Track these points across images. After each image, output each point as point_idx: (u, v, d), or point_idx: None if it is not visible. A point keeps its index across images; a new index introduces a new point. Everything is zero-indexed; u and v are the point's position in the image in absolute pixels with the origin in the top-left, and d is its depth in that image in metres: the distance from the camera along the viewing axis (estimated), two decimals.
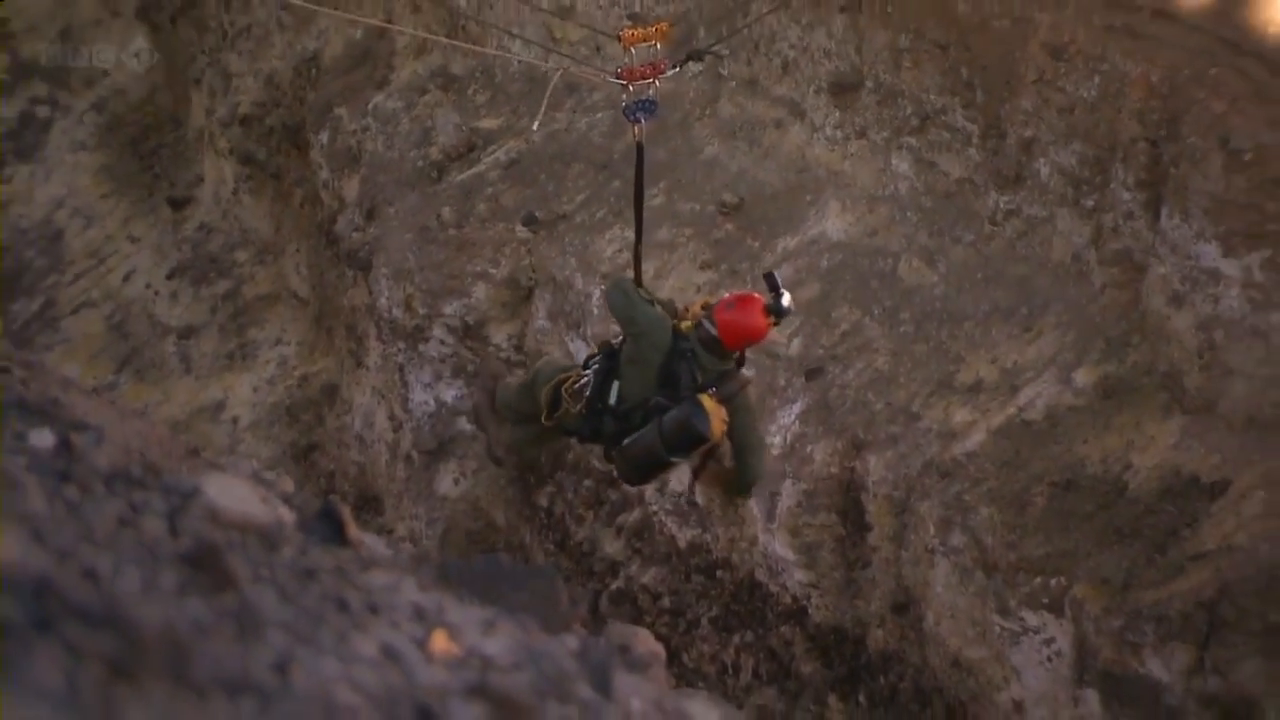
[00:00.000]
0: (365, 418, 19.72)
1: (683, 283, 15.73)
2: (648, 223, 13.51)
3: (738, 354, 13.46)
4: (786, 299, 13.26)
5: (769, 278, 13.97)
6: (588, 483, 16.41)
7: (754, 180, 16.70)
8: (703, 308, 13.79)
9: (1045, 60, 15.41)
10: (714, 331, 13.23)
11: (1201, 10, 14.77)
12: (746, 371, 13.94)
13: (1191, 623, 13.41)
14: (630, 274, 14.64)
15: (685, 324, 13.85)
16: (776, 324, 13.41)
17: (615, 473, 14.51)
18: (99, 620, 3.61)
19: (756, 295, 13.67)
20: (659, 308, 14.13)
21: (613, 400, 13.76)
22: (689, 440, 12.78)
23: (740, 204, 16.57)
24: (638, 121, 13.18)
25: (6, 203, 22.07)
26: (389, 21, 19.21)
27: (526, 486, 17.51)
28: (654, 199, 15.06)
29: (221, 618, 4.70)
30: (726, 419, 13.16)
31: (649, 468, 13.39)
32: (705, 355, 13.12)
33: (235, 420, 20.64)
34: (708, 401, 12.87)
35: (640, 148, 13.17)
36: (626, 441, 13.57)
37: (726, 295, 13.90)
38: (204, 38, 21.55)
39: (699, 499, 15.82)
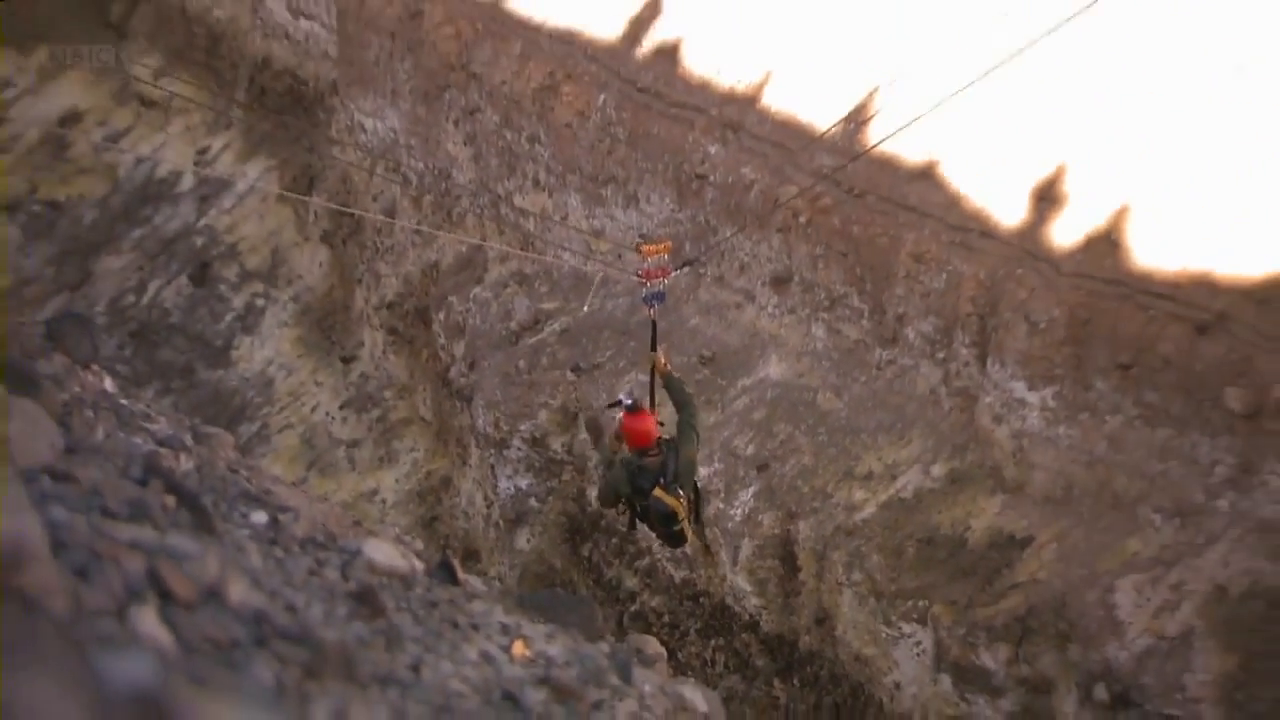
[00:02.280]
0: (468, 498, 19.63)
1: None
2: (640, 360, 14.33)
3: (650, 445, 14.09)
4: (622, 400, 14.02)
5: (613, 405, 14.39)
6: (614, 540, 16.53)
7: (722, 341, 16.94)
8: (615, 437, 14.33)
9: (911, 263, 15.51)
10: (627, 445, 14.17)
11: (1011, 232, 15.03)
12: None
13: (1010, 630, 13.77)
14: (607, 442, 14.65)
15: (622, 451, 13.96)
16: (631, 409, 14.18)
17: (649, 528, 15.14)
18: (296, 638, 4.41)
19: (622, 414, 14.48)
20: (616, 460, 13.98)
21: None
22: (667, 517, 13.62)
23: (713, 357, 16.82)
24: (652, 306, 14.00)
25: (236, 361, 22.58)
26: (483, 240, 19.70)
27: (575, 543, 17.79)
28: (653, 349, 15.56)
29: (376, 635, 5.54)
30: (682, 496, 14.06)
31: (666, 524, 14.13)
32: (637, 457, 13.95)
33: (384, 501, 20.74)
34: (662, 494, 13.78)
35: (654, 324, 13.95)
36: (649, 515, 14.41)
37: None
38: (363, 252, 21.53)
39: (688, 550, 15.65)
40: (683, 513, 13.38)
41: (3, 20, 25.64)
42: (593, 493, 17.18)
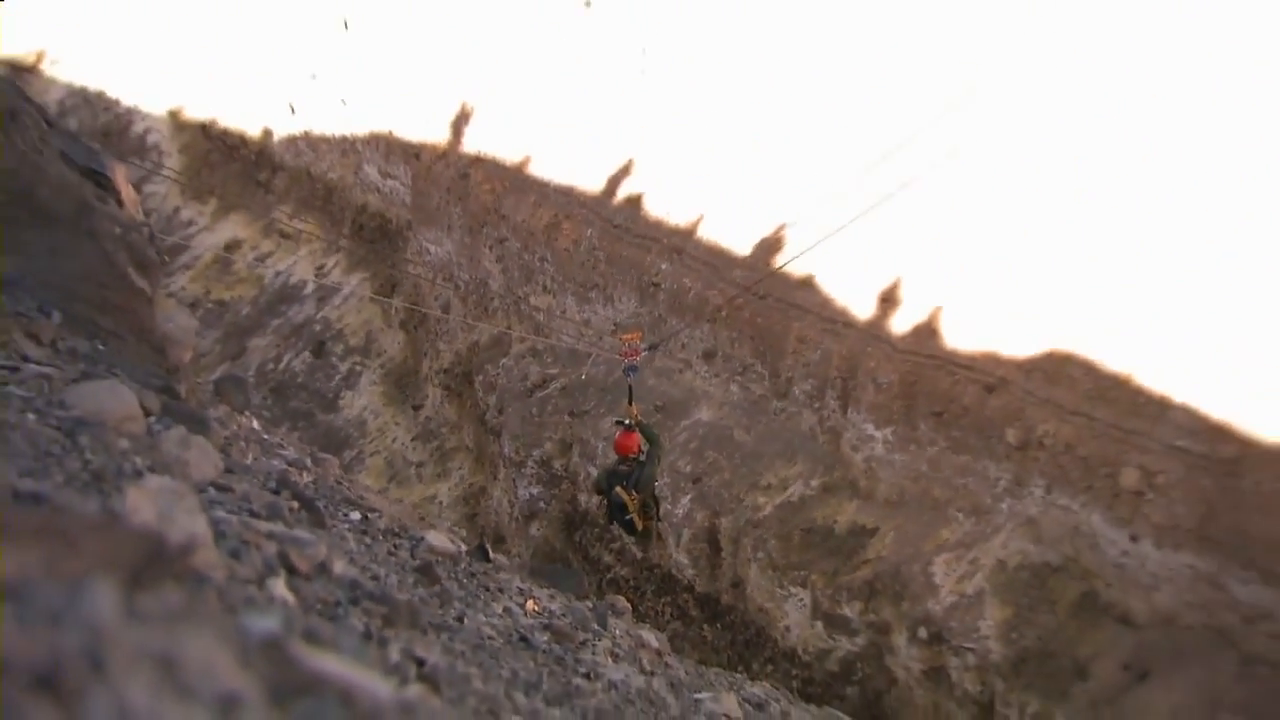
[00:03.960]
0: (497, 502, 19.43)
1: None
2: (622, 413, 14.28)
3: (632, 455, 14.03)
4: (623, 420, 14.00)
5: (618, 423, 14.60)
6: (596, 530, 16.51)
7: (669, 395, 16.88)
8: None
9: (796, 343, 15.49)
10: (614, 451, 14.01)
11: (863, 323, 14.86)
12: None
13: (862, 591, 13.79)
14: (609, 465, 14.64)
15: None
16: (628, 429, 14.16)
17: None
18: (378, 599, 4.37)
19: (620, 433, 14.46)
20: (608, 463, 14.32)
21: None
22: (621, 508, 13.58)
23: (664, 405, 16.69)
24: (629, 375, 14.04)
25: (341, 408, 22.25)
26: (509, 327, 19.70)
27: (569, 532, 17.70)
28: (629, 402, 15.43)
29: (432, 596, 5.48)
30: (635, 496, 14.02)
31: (620, 514, 14.06)
32: (617, 463, 13.89)
33: (440, 504, 20.36)
34: (620, 492, 13.73)
35: (630, 387, 13.97)
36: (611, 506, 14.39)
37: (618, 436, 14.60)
38: (428, 335, 21.25)
39: (639, 538, 15.64)
40: (632, 508, 13.45)
41: (186, 182, 25.95)
42: (583, 498, 17.30)
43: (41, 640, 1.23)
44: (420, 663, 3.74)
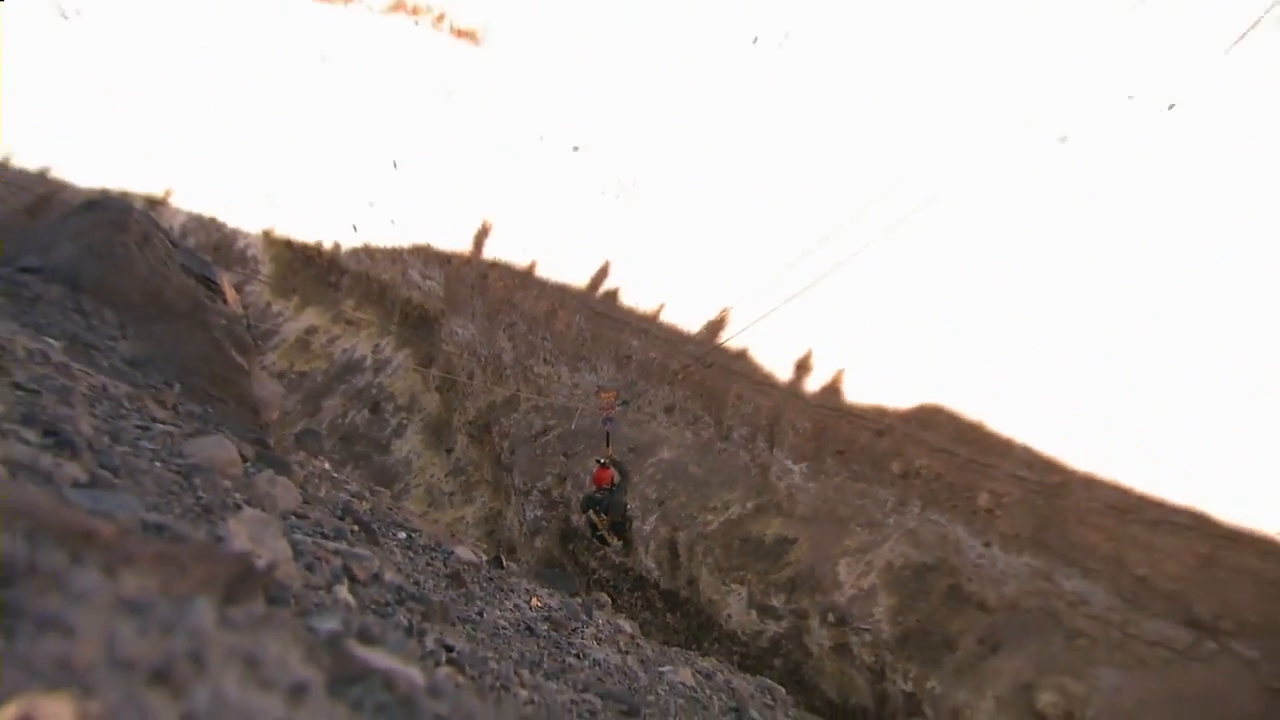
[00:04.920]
0: (510, 522, 19.02)
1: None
2: (602, 454, 14.19)
3: (606, 486, 13.94)
4: (600, 460, 13.94)
5: (598, 461, 14.21)
6: (585, 543, 16.14)
7: (639, 440, 16.59)
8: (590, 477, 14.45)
9: (735, 400, 15.39)
10: (593, 481, 13.95)
11: (785, 383, 14.81)
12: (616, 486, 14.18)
13: (785, 586, 13.57)
14: (590, 490, 14.54)
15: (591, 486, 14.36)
16: (604, 466, 13.99)
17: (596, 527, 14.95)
18: (418, 599, 4.36)
19: (597, 469, 14.28)
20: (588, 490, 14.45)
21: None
22: (594, 526, 13.54)
23: (635, 448, 16.41)
24: (607, 425, 14.00)
25: (392, 452, 21.93)
26: (518, 390, 19.53)
27: (565, 545, 17.32)
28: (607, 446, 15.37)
29: (459, 596, 5.46)
30: (604, 518, 13.96)
31: (593, 531, 14.03)
32: (595, 491, 13.83)
33: (467, 523, 19.90)
34: (593, 515, 13.67)
35: (608, 434, 13.92)
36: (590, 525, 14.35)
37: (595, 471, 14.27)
38: (457, 396, 20.90)
39: (633, 554, 15.67)
40: (601, 527, 13.62)
41: (275, 283, 25.92)
42: (574, 518, 17.05)
43: (157, 645, 1.23)
44: (449, 649, 3.72)
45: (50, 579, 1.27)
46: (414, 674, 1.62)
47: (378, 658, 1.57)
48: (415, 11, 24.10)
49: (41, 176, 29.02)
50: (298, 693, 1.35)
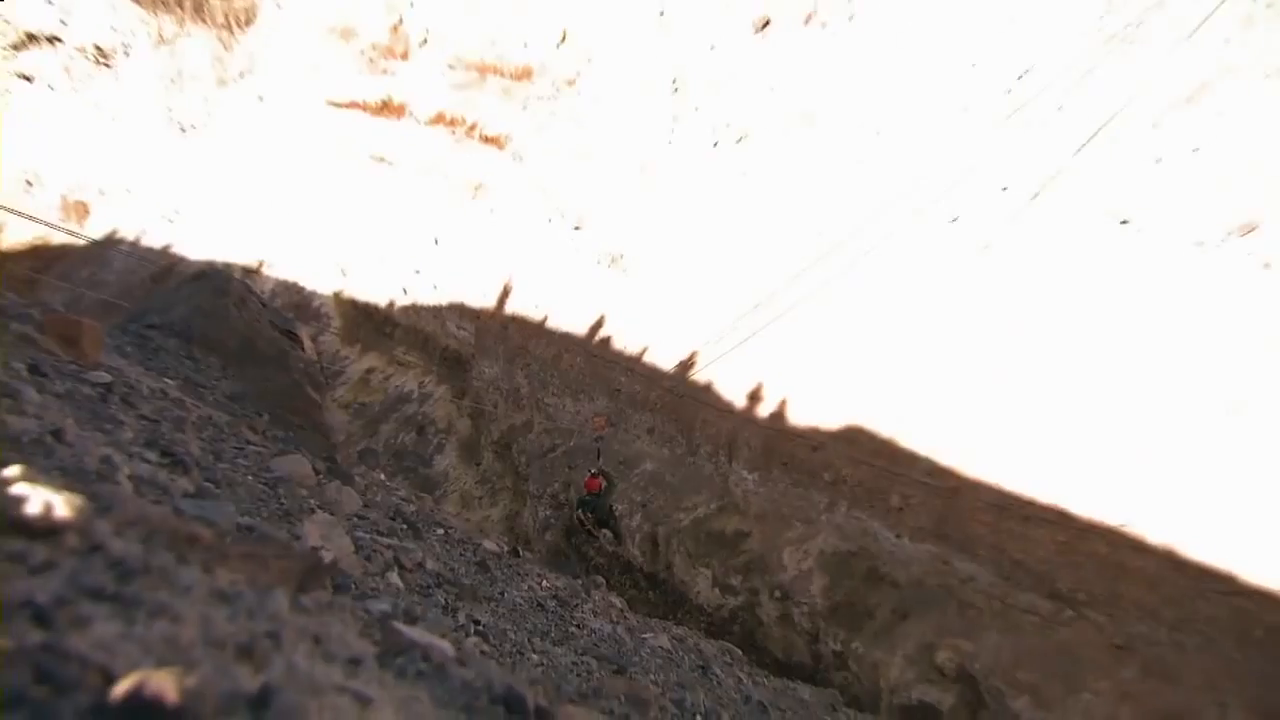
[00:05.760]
0: (526, 520, 18.43)
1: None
2: (594, 466, 14.06)
3: (594, 492, 13.80)
4: (591, 470, 13.74)
5: (590, 472, 14.14)
6: (584, 537, 15.70)
7: (626, 455, 16.36)
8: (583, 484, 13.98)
9: (701, 423, 15.27)
10: (585, 488, 13.69)
11: (740, 409, 14.70)
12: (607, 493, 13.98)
13: (741, 569, 13.49)
14: (583, 495, 14.43)
15: (583, 490, 14.13)
16: (594, 475, 13.74)
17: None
18: (452, 583, 4.38)
19: (588, 478, 13.93)
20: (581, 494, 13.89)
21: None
22: (582, 523, 13.41)
23: (624, 461, 16.13)
24: (598, 443, 13.96)
25: (434, 465, 21.47)
26: (532, 417, 19.28)
27: (569, 538, 16.81)
28: (599, 459, 15.30)
29: (485, 580, 5.53)
30: (589, 517, 13.81)
31: (582, 527, 13.94)
32: (586, 495, 13.69)
33: (492, 521, 19.12)
34: (582, 515, 13.53)
35: (599, 450, 13.88)
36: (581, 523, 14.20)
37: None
38: (486, 421, 20.79)
39: (623, 545, 15.31)
40: (588, 524, 13.49)
41: (343, 334, 25.79)
42: (575, 517, 16.93)
43: (243, 627, 1.22)
44: (477, 622, 3.69)
45: (161, 575, 1.27)
46: (446, 646, 1.60)
47: (417, 633, 1.56)
48: (453, 123, 24.34)
49: (164, 252, 28.96)
50: (354, 664, 1.32)
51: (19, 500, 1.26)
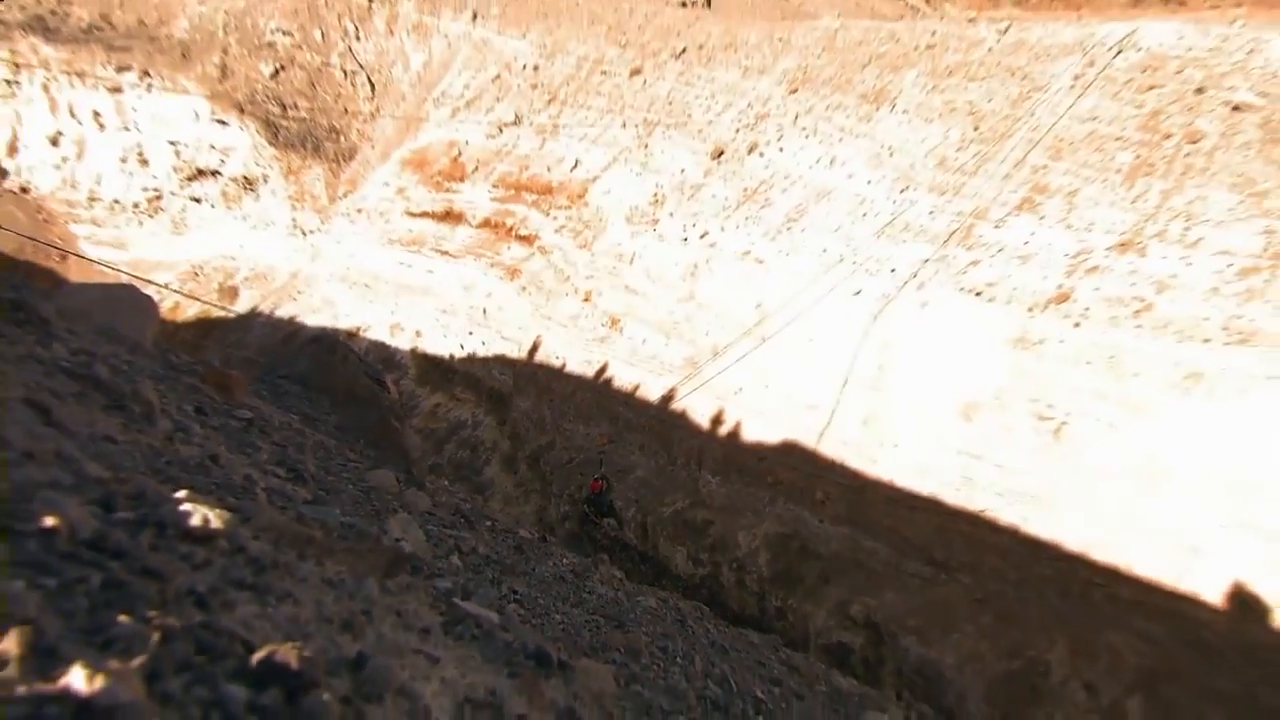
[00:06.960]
0: (550, 513, 17.65)
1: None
2: (598, 472, 13.82)
3: (596, 493, 13.51)
4: (595, 476, 13.44)
5: (595, 477, 13.63)
6: (593, 527, 15.99)
7: (621, 464, 15.90)
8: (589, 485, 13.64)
9: (677, 441, 15.12)
10: (590, 490, 13.28)
11: (705, 431, 14.99)
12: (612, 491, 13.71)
13: (711, 547, 13.16)
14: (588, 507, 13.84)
15: (588, 490, 13.73)
16: (596, 480, 13.45)
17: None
18: (497, 562, 4.34)
19: (592, 482, 13.58)
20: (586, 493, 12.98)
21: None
22: (586, 517, 13.10)
23: (622, 469, 15.69)
24: (601, 456, 13.76)
25: (484, 475, 20.20)
26: (554, 438, 19.10)
27: (583, 526, 16.47)
28: (601, 468, 15.14)
29: (521, 559, 5.48)
30: (592, 509, 13.38)
31: (585, 521, 13.63)
32: (590, 495, 13.39)
33: (526, 514, 17.80)
34: (585, 508, 13.25)
35: (602, 459, 13.69)
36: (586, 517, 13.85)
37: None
38: (520, 442, 20.93)
39: (623, 531, 14.81)
40: (592, 515, 13.15)
41: (417, 380, 25.36)
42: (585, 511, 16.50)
43: (345, 607, 1.21)
44: (515, 593, 3.62)
45: (286, 569, 1.26)
46: (493, 616, 1.59)
47: (471, 607, 1.54)
48: (496, 226, 24.37)
49: (290, 321, 28.68)
50: (426, 632, 1.31)
51: (186, 515, 1.26)
